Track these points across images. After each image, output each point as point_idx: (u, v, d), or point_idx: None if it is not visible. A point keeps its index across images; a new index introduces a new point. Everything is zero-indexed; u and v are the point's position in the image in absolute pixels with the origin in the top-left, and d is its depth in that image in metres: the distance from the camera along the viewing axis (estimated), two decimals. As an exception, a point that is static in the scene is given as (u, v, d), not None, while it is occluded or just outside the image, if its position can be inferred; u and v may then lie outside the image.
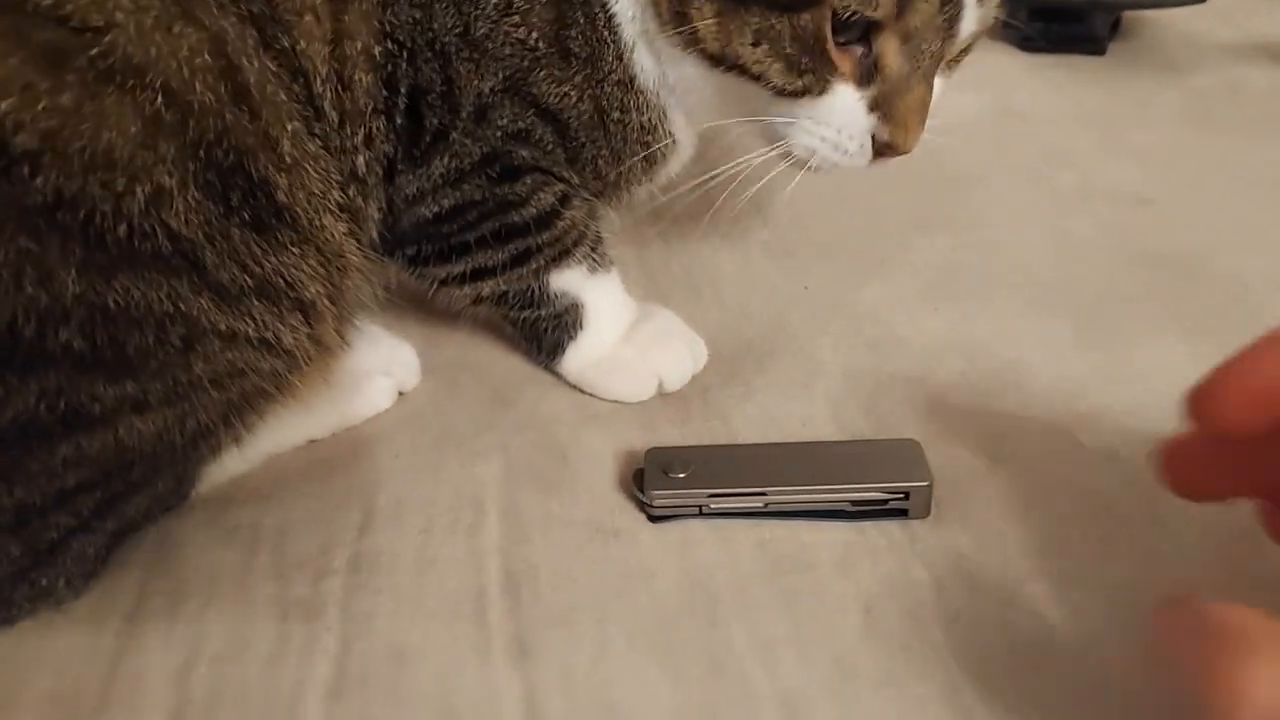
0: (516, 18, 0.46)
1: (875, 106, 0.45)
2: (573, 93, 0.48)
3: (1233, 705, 0.26)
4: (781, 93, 0.45)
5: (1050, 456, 0.46)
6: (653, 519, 0.45)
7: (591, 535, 0.44)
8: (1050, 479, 0.45)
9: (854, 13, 0.42)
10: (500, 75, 0.47)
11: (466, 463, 0.49)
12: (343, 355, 0.49)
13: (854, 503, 0.44)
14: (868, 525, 0.44)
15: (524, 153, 0.50)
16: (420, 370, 0.56)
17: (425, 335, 0.58)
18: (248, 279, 0.41)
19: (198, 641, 0.40)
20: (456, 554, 0.44)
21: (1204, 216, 0.66)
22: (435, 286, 0.54)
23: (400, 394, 0.55)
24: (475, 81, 0.47)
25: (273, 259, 0.42)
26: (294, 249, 0.43)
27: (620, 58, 0.48)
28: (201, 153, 0.39)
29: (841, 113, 0.45)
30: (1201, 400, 0.34)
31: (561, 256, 0.53)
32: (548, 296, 0.53)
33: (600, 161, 0.51)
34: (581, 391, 0.54)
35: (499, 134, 0.48)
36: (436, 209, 0.50)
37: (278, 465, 0.50)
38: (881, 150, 0.47)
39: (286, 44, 0.42)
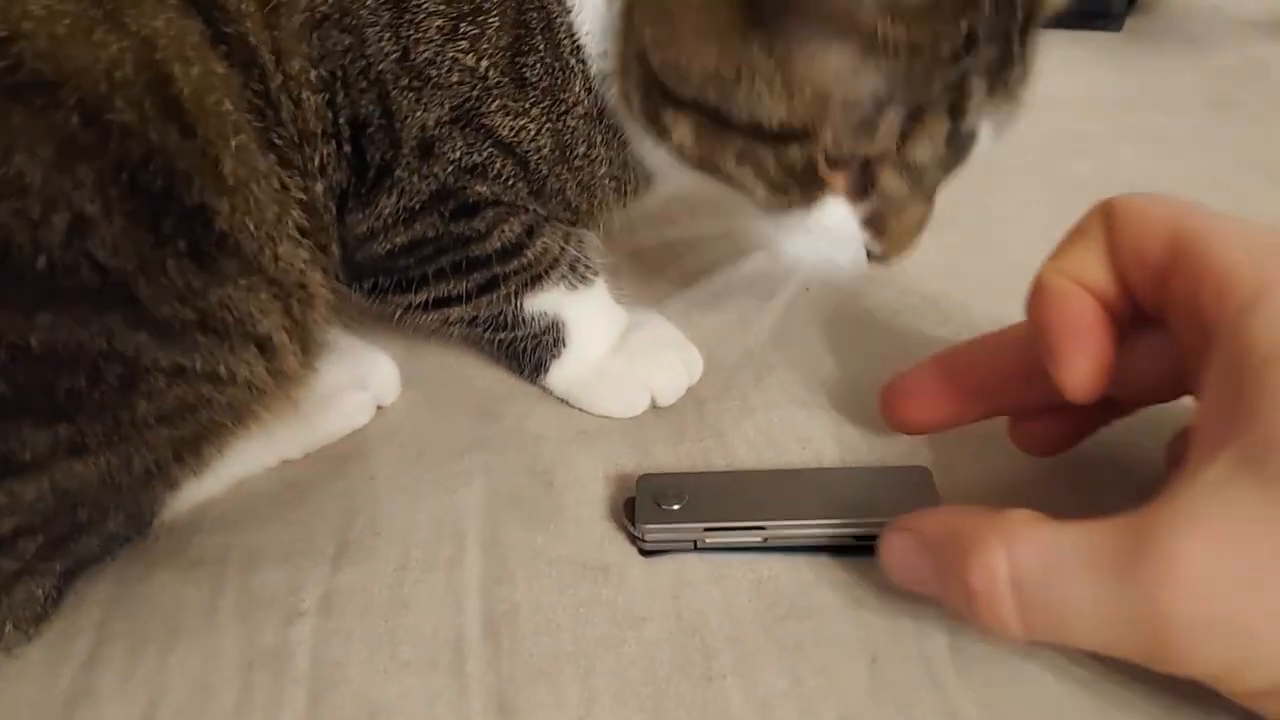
0: (465, 43, 0.41)
1: (869, 223, 0.42)
2: (530, 126, 0.43)
3: (987, 584, 0.32)
4: (767, 207, 0.42)
5: (1072, 480, 0.43)
6: (644, 553, 0.42)
7: (578, 573, 0.42)
8: (1074, 507, 0.42)
9: (848, 151, 0.39)
10: (446, 106, 0.42)
11: (447, 487, 0.46)
12: (310, 382, 0.46)
13: (858, 538, 0.41)
14: (875, 562, 0.41)
15: (480, 188, 0.45)
16: (400, 382, 0.53)
17: (405, 344, 0.54)
18: (189, 313, 0.38)
19: (157, 693, 0.38)
20: (434, 593, 0.41)
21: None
22: (400, 313, 0.50)
23: (379, 408, 0.52)
24: (418, 113, 0.42)
25: (216, 292, 0.38)
26: (240, 281, 0.39)
27: (589, 89, 0.43)
28: (124, 176, 0.35)
29: (832, 227, 0.42)
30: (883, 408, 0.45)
31: (534, 282, 0.49)
32: (523, 319, 0.50)
33: (568, 193, 0.47)
34: (570, 404, 0.51)
35: (450, 169, 0.44)
36: (389, 246, 0.46)
37: (247, 489, 0.47)
38: (873, 260, 0.43)
39: (236, 31, 0.38)
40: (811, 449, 0.47)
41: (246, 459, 0.47)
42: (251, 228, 0.39)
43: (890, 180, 0.41)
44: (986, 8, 0.36)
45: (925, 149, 0.39)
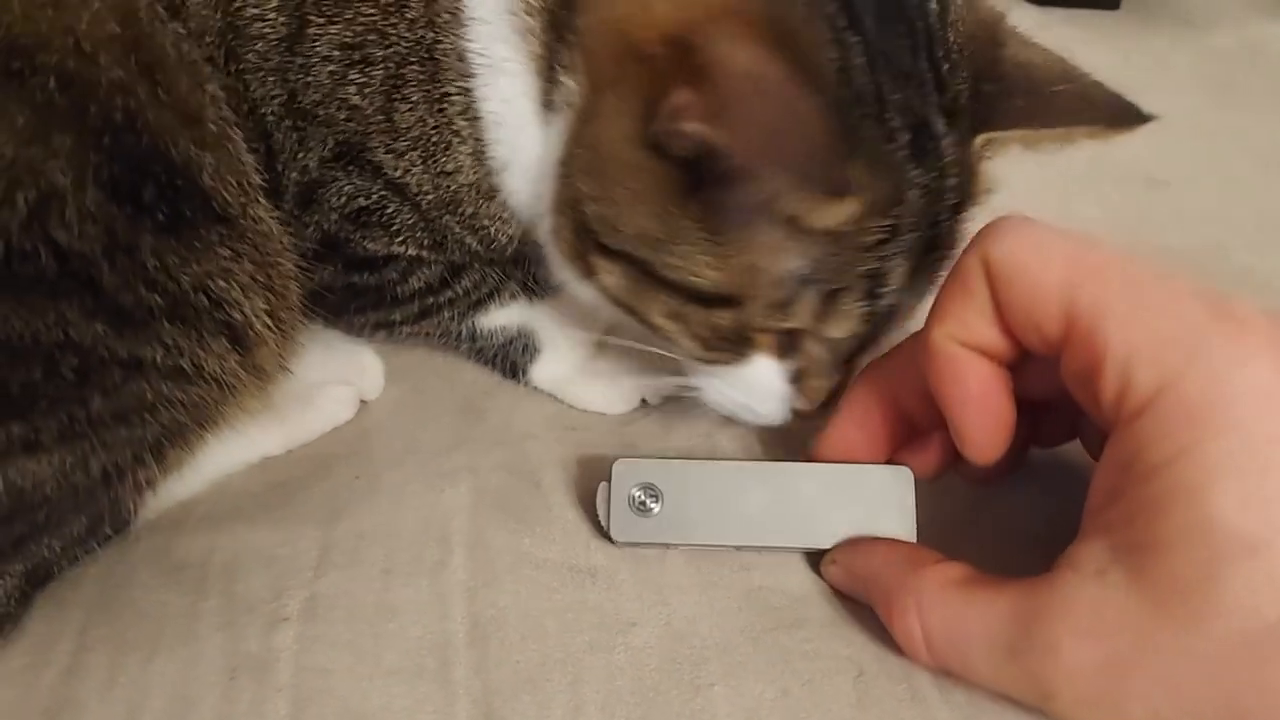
0: (353, 88, 0.40)
1: (795, 379, 0.42)
2: (413, 169, 0.42)
3: (904, 637, 0.36)
4: (692, 358, 0.41)
5: (1043, 476, 0.43)
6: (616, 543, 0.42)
7: (566, 576, 0.41)
8: (1048, 520, 0.42)
9: (768, 324, 0.39)
10: (330, 142, 0.41)
11: (433, 486, 0.46)
12: (283, 380, 0.45)
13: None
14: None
15: (369, 244, 0.44)
16: (383, 376, 0.52)
17: (388, 337, 0.54)
18: (156, 299, 0.37)
19: (138, 702, 0.37)
20: (420, 598, 0.41)
21: (1221, 203, 0.62)
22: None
23: (363, 403, 0.51)
24: (299, 155, 0.42)
25: (192, 270, 0.38)
26: (224, 250, 0.39)
27: (482, 163, 0.42)
28: (106, 140, 0.35)
29: (758, 384, 0.42)
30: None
31: (478, 306, 0.48)
32: (479, 335, 0.49)
33: (470, 244, 0.45)
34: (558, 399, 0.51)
35: (334, 216, 0.43)
36: (308, 286, 0.45)
37: (230, 488, 0.47)
38: (794, 413, 0.43)
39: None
40: (796, 449, 0.47)
41: (227, 456, 0.47)
42: (234, 182, 0.39)
43: (814, 348, 0.41)
44: (914, 201, 0.36)
45: (842, 326, 0.39)
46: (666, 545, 0.42)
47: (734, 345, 0.40)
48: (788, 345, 0.41)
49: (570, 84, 0.39)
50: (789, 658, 0.37)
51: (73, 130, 0.34)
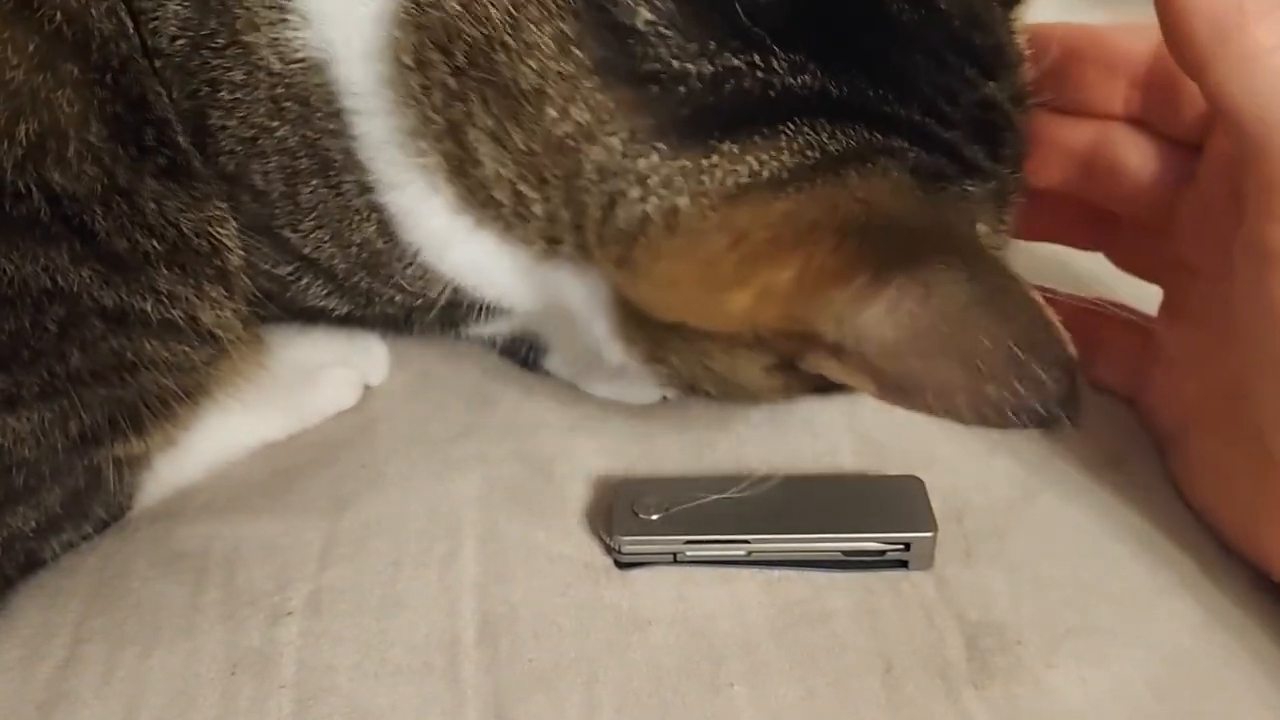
0: (256, 173, 0.38)
1: None
2: (323, 245, 0.40)
3: None
4: None
5: (1091, 487, 0.42)
6: (620, 565, 0.40)
7: (580, 572, 0.40)
8: (1093, 513, 0.41)
9: None
10: (240, 216, 0.39)
11: (441, 476, 0.44)
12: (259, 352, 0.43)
13: (847, 553, 0.39)
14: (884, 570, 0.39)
15: (303, 301, 0.42)
16: (388, 361, 0.50)
17: (394, 321, 0.52)
18: (155, 244, 0.36)
19: (136, 696, 0.36)
20: (428, 592, 0.39)
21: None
22: None
23: (367, 388, 0.49)
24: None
25: (194, 214, 0.37)
26: (218, 202, 0.38)
27: (392, 237, 0.38)
28: (109, 78, 0.34)
29: None
30: None
31: (459, 323, 0.45)
32: (473, 338, 0.47)
33: (399, 300, 0.42)
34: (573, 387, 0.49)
35: (259, 278, 0.41)
36: None
37: (231, 476, 0.45)
38: None
39: None
40: (824, 440, 0.45)
41: (227, 441, 0.45)
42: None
43: None
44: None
45: None
46: (675, 560, 0.40)
47: None
48: None
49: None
50: (814, 655, 0.36)
51: (78, 62, 0.34)
